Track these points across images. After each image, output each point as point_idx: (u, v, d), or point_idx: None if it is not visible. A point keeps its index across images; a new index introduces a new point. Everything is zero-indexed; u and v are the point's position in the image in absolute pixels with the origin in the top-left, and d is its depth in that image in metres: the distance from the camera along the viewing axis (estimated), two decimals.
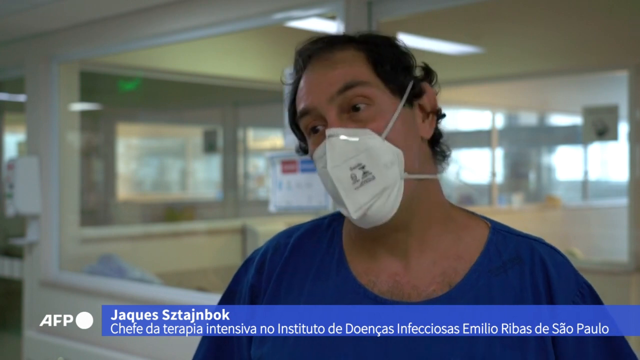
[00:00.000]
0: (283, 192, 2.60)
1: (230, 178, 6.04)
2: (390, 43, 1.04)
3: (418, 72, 1.05)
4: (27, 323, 3.85)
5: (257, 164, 6.46)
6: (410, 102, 1.01)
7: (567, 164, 6.73)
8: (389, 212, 0.97)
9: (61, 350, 3.45)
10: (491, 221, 1.08)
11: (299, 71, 1.05)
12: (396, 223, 0.99)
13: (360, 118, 0.98)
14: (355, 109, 0.98)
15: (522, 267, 1.01)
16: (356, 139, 0.96)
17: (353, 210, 0.96)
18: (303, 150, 1.10)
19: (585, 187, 6.26)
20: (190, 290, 3.33)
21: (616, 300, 3.92)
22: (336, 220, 1.12)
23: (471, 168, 6.35)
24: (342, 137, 0.96)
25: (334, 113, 0.98)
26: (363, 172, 0.96)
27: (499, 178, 6.25)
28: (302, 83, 1.03)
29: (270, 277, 1.09)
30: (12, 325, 4.24)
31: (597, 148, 6.06)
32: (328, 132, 0.97)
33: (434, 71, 1.06)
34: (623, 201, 4.26)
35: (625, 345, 1.02)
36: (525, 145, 6.70)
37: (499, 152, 6.22)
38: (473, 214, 1.10)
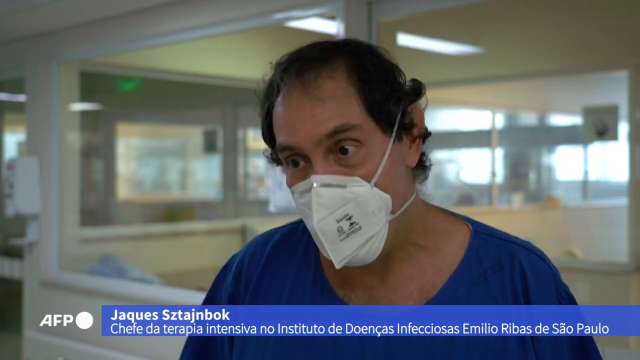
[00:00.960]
0: (283, 192, 2.60)
1: (230, 178, 6.03)
2: (384, 68, 0.95)
3: (407, 89, 0.97)
4: (27, 323, 3.85)
5: (257, 164, 6.46)
6: (399, 136, 0.95)
7: (567, 164, 6.72)
8: (374, 256, 0.93)
9: (61, 350, 3.46)
10: (473, 223, 1.05)
11: (277, 88, 0.96)
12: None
13: (349, 163, 0.92)
14: (343, 150, 0.91)
15: (502, 273, 0.99)
16: (344, 187, 0.91)
17: (336, 261, 0.92)
18: (274, 159, 1.03)
19: (585, 187, 6.26)
20: (190, 290, 3.33)
21: (616, 300, 3.92)
22: None
23: (471, 168, 6.35)
24: (329, 185, 0.90)
25: (320, 157, 0.91)
26: (350, 223, 0.91)
27: (499, 178, 6.25)
28: (280, 107, 0.94)
29: (248, 286, 1.07)
30: (12, 325, 4.24)
31: (597, 148, 6.06)
32: (313, 179, 0.91)
33: (423, 85, 0.99)
34: (623, 201, 4.25)
35: (596, 350, 1.02)
36: (525, 145, 6.70)
37: (499, 152, 6.22)
38: (454, 215, 1.06)
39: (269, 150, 1.03)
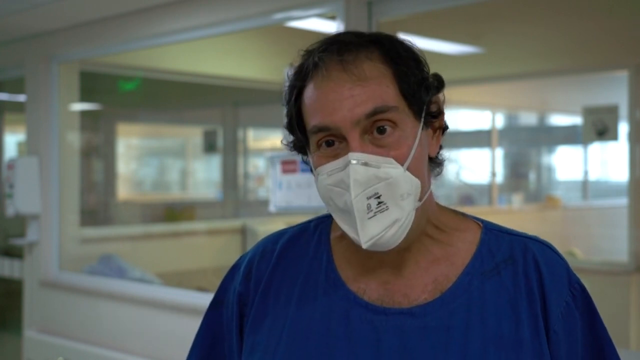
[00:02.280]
0: (283, 192, 2.60)
1: (230, 178, 6.04)
2: (414, 57, 0.98)
3: (432, 82, 1.00)
4: (27, 323, 3.85)
5: (257, 164, 6.46)
6: (426, 123, 0.98)
7: (567, 164, 6.73)
8: (398, 241, 0.95)
9: (61, 350, 3.46)
10: (483, 221, 1.07)
11: (311, 71, 0.97)
12: (398, 245, 0.96)
13: (384, 143, 0.93)
14: (380, 130, 0.93)
15: (516, 267, 1.00)
16: (378, 167, 0.92)
17: (364, 240, 0.93)
18: (296, 148, 1.04)
19: (585, 187, 6.26)
20: (190, 290, 3.33)
21: (616, 300, 3.92)
22: (323, 223, 1.10)
23: (471, 168, 6.35)
24: (365, 163, 0.92)
25: (357, 136, 0.93)
26: (378, 202, 0.92)
27: (499, 178, 6.25)
28: (316, 90, 0.96)
29: (258, 285, 1.07)
30: (12, 325, 4.24)
31: (597, 148, 6.06)
32: (351, 156, 0.92)
33: (444, 81, 1.02)
34: (623, 201, 4.26)
35: (612, 348, 1.02)
36: (525, 145, 6.70)
37: (499, 152, 6.22)
38: (464, 215, 1.08)
39: (290, 138, 1.04)
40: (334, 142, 0.95)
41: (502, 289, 0.99)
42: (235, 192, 6.02)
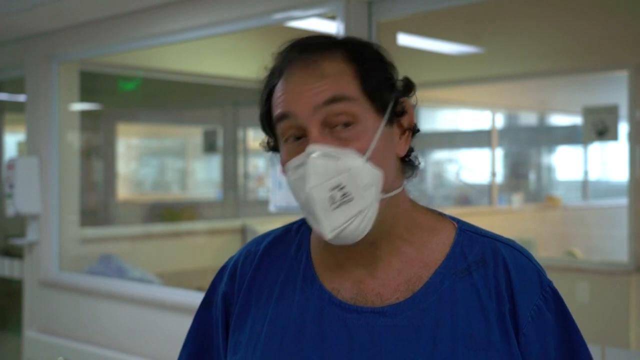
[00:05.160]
0: (283, 192, 2.60)
1: (230, 178, 6.04)
2: (379, 58, 1.01)
3: (399, 85, 1.03)
4: (27, 323, 3.85)
5: (257, 164, 6.46)
6: (391, 121, 1.00)
7: (567, 164, 6.73)
8: (362, 233, 0.96)
9: (61, 350, 3.46)
10: (458, 222, 1.07)
11: (279, 72, 1.01)
12: (365, 239, 0.98)
13: (343, 136, 0.96)
14: (340, 125, 0.96)
15: (486, 269, 1.01)
16: (338, 158, 0.94)
17: (328, 230, 0.94)
18: (271, 147, 1.07)
19: (585, 187, 6.26)
20: (190, 290, 3.33)
21: (616, 300, 3.92)
22: (305, 224, 1.11)
23: (471, 168, 6.36)
24: (324, 155, 0.94)
25: (317, 127, 0.95)
26: (342, 193, 0.94)
27: (499, 178, 6.25)
28: (281, 86, 1.00)
29: (242, 286, 1.10)
30: (12, 325, 4.24)
31: (597, 148, 6.06)
32: (310, 148, 0.94)
33: (414, 84, 1.04)
34: (623, 201, 4.26)
35: (585, 350, 1.03)
36: (525, 145, 6.70)
37: (499, 152, 6.22)
38: (440, 214, 1.09)
39: (266, 139, 1.07)
40: (299, 137, 0.98)
41: (473, 290, 0.99)
42: (235, 192, 6.02)
